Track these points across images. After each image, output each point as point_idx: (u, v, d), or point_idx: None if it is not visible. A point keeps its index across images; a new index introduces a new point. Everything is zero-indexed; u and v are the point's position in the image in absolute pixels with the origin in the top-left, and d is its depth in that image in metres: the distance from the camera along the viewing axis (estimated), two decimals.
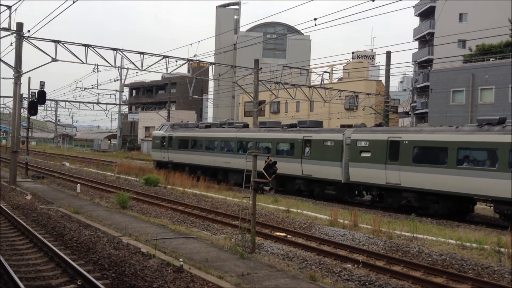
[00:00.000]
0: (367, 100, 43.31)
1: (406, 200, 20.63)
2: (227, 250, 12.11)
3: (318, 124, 28.08)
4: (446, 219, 18.99)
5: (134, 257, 10.97)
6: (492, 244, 13.37)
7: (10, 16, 24.51)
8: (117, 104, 70.33)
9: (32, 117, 38.72)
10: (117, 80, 51.69)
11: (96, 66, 29.61)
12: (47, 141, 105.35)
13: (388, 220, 17.62)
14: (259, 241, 13.63)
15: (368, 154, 21.99)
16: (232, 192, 25.18)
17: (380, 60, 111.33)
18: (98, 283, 8.77)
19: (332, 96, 40.97)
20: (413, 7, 60.90)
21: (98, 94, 59.32)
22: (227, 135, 31.19)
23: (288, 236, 14.99)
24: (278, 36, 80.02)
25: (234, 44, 75.00)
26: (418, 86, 47.53)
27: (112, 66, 28.85)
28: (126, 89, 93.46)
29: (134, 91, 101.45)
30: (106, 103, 62.59)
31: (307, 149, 25.18)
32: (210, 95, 74.59)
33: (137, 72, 58.36)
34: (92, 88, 49.93)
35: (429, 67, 49.74)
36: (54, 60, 26.06)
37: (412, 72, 54.59)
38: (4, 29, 24.49)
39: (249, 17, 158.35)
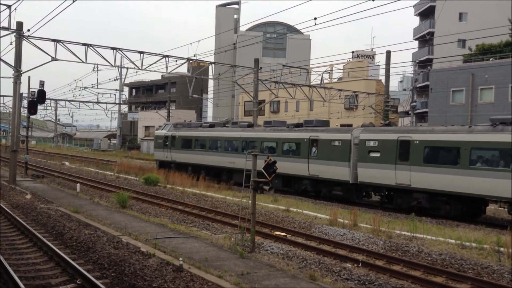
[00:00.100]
0: (367, 100, 43.31)
1: (416, 201, 20.22)
2: (226, 249, 12.11)
3: (325, 123, 27.62)
4: (446, 218, 18.99)
5: (134, 257, 10.97)
6: (491, 243, 13.37)
7: (10, 15, 24.53)
8: (117, 104, 70.37)
9: (32, 116, 38.74)
10: (117, 79, 51.62)
11: (96, 65, 29.63)
12: (47, 141, 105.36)
13: (387, 220, 17.62)
14: (259, 240, 13.63)
15: (377, 154, 21.59)
16: (231, 191, 25.19)
17: (380, 59, 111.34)
18: (97, 282, 8.77)
19: (332, 96, 40.97)
20: (413, 6, 60.91)
21: (98, 93, 59.28)
22: (231, 134, 30.85)
23: (287, 235, 14.99)
24: (278, 36, 79.99)
25: (234, 44, 75.04)
26: (418, 85, 47.52)
27: (112, 65, 28.85)
28: (126, 89, 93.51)
29: (134, 91, 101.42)
30: (106, 103, 62.61)
31: (313, 149, 24.77)
32: (210, 94, 74.58)
33: (137, 72, 58.44)
34: (92, 87, 49.87)
35: (429, 67, 49.76)
36: (54, 59, 26.06)
37: (412, 72, 54.58)
38: (4, 28, 24.49)
39: (249, 16, 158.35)
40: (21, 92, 28.83)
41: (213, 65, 36.14)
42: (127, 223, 15.30)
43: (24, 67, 25.85)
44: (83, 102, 61.25)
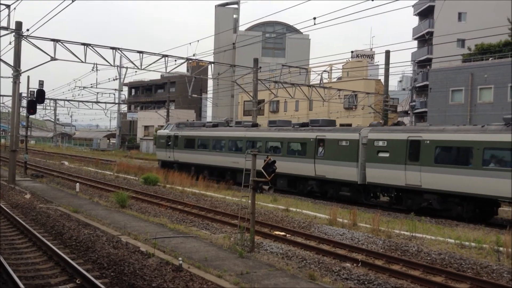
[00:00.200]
0: (366, 99, 43.34)
1: (427, 202, 19.84)
2: (226, 249, 12.11)
3: (331, 123, 27.23)
4: (446, 218, 18.99)
5: (133, 256, 10.97)
6: (491, 243, 13.37)
7: (9, 15, 24.52)
8: (116, 103, 70.40)
9: (31, 116, 38.74)
10: (116, 79, 51.71)
11: (95, 65, 29.64)
12: (46, 140, 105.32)
13: (387, 219, 17.62)
14: (258, 240, 13.64)
15: (386, 154, 21.19)
16: (231, 191, 25.20)
17: (379, 59, 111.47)
18: (97, 282, 8.76)
19: (331, 95, 40.97)
20: (412, 6, 60.95)
21: (97, 93, 59.33)
22: (235, 134, 30.52)
23: (287, 235, 14.99)
24: (277, 35, 79.97)
25: (233, 43, 74.95)
26: (417, 85, 47.55)
27: (111, 65, 28.87)
28: (125, 88, 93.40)
29: (133, 90, 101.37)
30: (105, 102, 62.68)
31: (320, 149, 24.35)
32: (209, 94, 74.55)
33: (136, 71, 58.42)
34: (91, 87, 49.94)
35: (428, 66, 49.78)
36: (53, 59, 26.06)
37: (411, 71, 54.69)
38: (3, 28, 24.47)
39: (248, 16, 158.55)
40: (20, 91, 28.82)
41: (212, 64, 36.14)
42: (127, 222, 15.30)
43: (23, 67, 25.91)
44: (82, 101, 61.31)
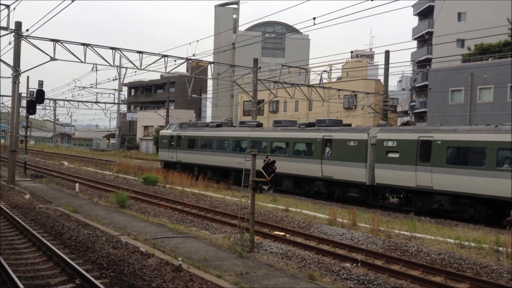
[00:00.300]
0: (366, 100, 43.38)
1: (438, 204, 19.48)
2: (226, 249, 12.10)
3: (338, 123, 26.71)
4: (445, 218, 18.98)
5: (133, 256, 10.97)
6: (490, 243, 13.37)
7: (8, 15, 24.52)
8: (116, 103, 70.42)
9: (30, 116, 38.74)
10: (116, 79, 51.75)
11: (95, 65, 29.64)
12: (46, 140, 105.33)
13: (386, 219, 17.62)
14: (258, 240, 13.64)
15: (396, 155, 20.75)
16: (231, 191, 25.19)
17: (379, 59, 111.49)
18: (97, 282, 8.76)
19: (331, 96, 40.99)
20: (412, 6, 60.98)
21: (97, 93, 59.38)
22: (240, 134, 30.13)
23: (287, 235, 14.99)
24: (277, 36, 79.99)
25: (233, 43, 74.96)
26: (417, 85, 47.61)
27: (111, 65, 28.88)
28: (125, 88, 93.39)
29: (132, 90, 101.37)
30: (105, 102, 62.72)
31: (327, 149, 23.92)
32: (209, 94, 74.60)
33: (136, 71, 58.44)
34: (91, 87, 49.94)
35: (428, 67, 49.81)
36: (53, 59, 26.06)
37: (411, 72, 54.72)
38: (3, 28, 24.48)
39: (248, 16, 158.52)
40: (20, 92, 28.83)
41: (212, 65, 36.17)
42: (126, 223, 15.30)
43: (23, 67, 25.86)
44: (82, 102, 61.33)
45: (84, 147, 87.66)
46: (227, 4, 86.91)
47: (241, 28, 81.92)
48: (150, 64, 31.77)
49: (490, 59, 40.72)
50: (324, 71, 42.68)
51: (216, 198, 22.66)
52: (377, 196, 22.73)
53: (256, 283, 9.30)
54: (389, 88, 43.53)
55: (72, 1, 20.39)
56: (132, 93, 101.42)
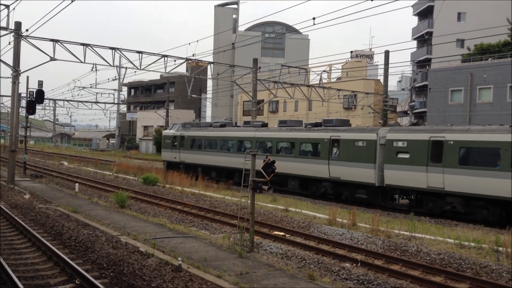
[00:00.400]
0: (366, 100, 43.38)
1: (450, 205, 19.09)
2: (225, 249, 12.10)
3: (345, 122, 26.31)
4: (445, 218, 18.98)
5: (133, 256, 10.97)
6: (490, 243, 13.38)
7: (8, 15, 24.51)
8: (115, 103, 70.39)
9: (30, 116, 38.72)
10: (116, 79, 51.71)
11: (94, 65, 29.61)
12: (46, 140, 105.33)
13: (386, 219, 17.62)
14: (258, 240, 13.63)
15: (406, 156, 20.32)
16: (230, 191, 25.18)
17: (379, 59, 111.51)
18: (96, 282, 8.76)
19: (330, 96, 41.00)
20: (412, 6, 60.99)
21: (97, 93, 59.32)
22: (244, 134, 29.86)
23: (286, 235, 14.99)
24: (276, 36, 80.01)
25: (233, 44, 75.00)
26: (417, 85, 47.61)
27: (110, 65, 28.85)
28: (125, 88, 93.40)
29: (132, 90, 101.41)
30: (104, 102, 62.65)
31: (335, 150, 23.51)
32: (209, 94, 74.63)
33: (135, 71, 58.47)
34: (91, 87, 49.89)
35: (427, 67, 49.83)
36: (53, 59, 26.05)
37: (411, 72, 54.70)
38: (3, 28, 24.47)
39: (247, 16, 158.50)
40: (19, 92, 28.82)
41: (211, 65, 36.16)
42: (126, 223, 15.30)
43: (22, 67, 25.85)
44: (81, 102, 61.30)
45: (84, 147, 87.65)
46: (226, 4, 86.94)
47: (241, 28, 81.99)
48: (150, 64, 31.78)
49: (490, 59, 40.75)
50: (324, 71, 42.68)
51: (216, 198, 22.66)
52: (386, 197, 22.35)
53: (256, 283, 9.30)
54: (389, 88, 43.53)
55: (72, 1, 20.40)
56: (132, 93, 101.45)
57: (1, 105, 71.43)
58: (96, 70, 30.00)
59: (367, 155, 21.92)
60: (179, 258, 10.26)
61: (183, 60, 32.09)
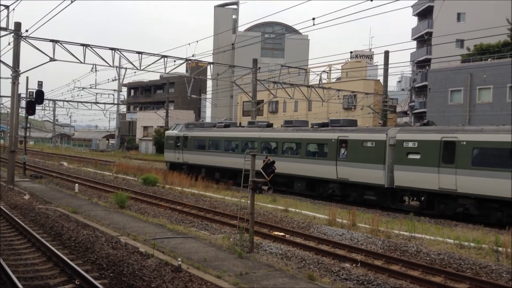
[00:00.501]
0: (365, 100, 43.41)
1: (463, 207, 18.74)
2: (225, 249, 12.10)
3: (352, 123, 25.87)
4: (445, 218, 18.97)
5: (132, 257, 10.96)
6: (490, 243, 13.38)
7: (8, 16, 24.51)
8: (115, 104, 70.39)
9: (30, 117, 38.72)
10: (115, 79, 51.75)
11: (94, 65, 29.60)
12: (45, 141, 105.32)
13: (386, 220, 17.61)
14: (258, 240, 13.63)
15: (417, 156, 19.94)
16: (230, 191, 25.18)
17: (378, 59, 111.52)
18: (96, 282, 8.76)
19: (330, 96, 41.01)
20: (411, 6, 61.03)
21: (96, 93, 59.34)
22: (249, 135, 29.55)
23: (286, 235, 14.99)
24: (276, 36, 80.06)
25: (232, 44, 75.04)
26: (416, 85, 47.67)
27: (110, 65, 28.85)
28: (125, 89, 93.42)
29: (132, 91, 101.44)
30: (104, 103, 62.66)
31: (342, 150, 23.11)
32: (209, 94, 74.67)
33: (135, 72, 58.39)
34: (90, 87, 49.95)
35: (427, 67, 49.87)
36: (52, 59, 26.04)
37: (410, 72, 54.76)
38: (3, 28, 24.47)
39: (247, 16, 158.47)
40: (19, 92, 28.82)
41: (211, 65, 36.17)
42: (126, 223, 15.29)
43: (22, 68, 25.84)
44: (81, 102, 61.33)
45: (84, 148, 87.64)
46: (226, 4, 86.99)
47: (241, 28, 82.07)
48: (149, 65, 31.86)
49: (490, 59, 40.78)
50: (324, 71, 42.67)
51: (216, 199, 22.66)
52: (396, 199, 21.98)
53: (255, 283, 9.30)
54: (389, 89, 43.58)
55: (72, 1, 20.41)
56: (132, 94, 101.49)
57: (1, 105, 71.48)
58: (96, 70, 30.01)
59: (376, 156, 21.53)
60: (179, 259, 10.26)
61: (183, 61, 32.11)
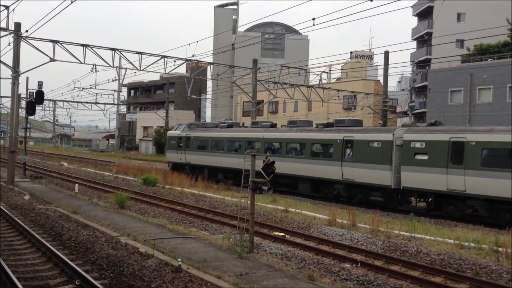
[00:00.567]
0: (365, 100, 43.43)
1: (472, 209, 18.51)
2: (225, 250, 12.10)
3: (358, 123, 25.62)
4: (445, 219, 18.96)
5: (133, 257, 10.96)
6: (490, 243, 13.38)
7: (8, 16, 24.53)
8: (115, 104, 70.38)
9: (30, 117, 38.71)
10: (115, 80, 51.67)
11: (94, 66, 29.62)
12: (45, 141, 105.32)
13: (386, 220, 17.61)
14: (258, 241, 13.63)
15: (425, 157, 19.67)
16: (230, 192, 25.17)
17: (378, 60, 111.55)
18: (96, 283, 8.76)
19: (330, 96, 41.03)
20: (411, 7, 61.03)
21: (96, 94, 59.37)
22: (253, 135, 29.23)
23: (286, 236, 14.98)
24: (276, 36, 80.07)
25: (232, 44, 75.03)
26: (416, 86, 47.64)
27: (110, 66, 28.87)
28: (125, 89, 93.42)
29: (132, 91, 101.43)
30: (104, 103, 62.70)
31: (348, 151, 22.84)
32: (209, 95, 74.72)
33: (135, 72, 58.38)
34: (90, 88, 49.97)
35: (427, 67, 49.87)
36: (52, 60, 26.06)
37: (410, 72, 54.75)
38: (3, 29, 24.49)
39: (247, 17, 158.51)
40: (19, 93, 28.82)
41: (211, 65, 36.19)
42: (126, 223, 15.29)
43: (22, 68, 25.85)
44: (81, 102, 61.38)
45: (84, 148, 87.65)
46: (226, 4, 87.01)
47: (241, 28, 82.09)
48: (149, 65, 31.83)
49: (490, 59, 40.77)
50: (324, 71, 42.69)
51: (216, 199, 22.65)
52: (403, 200, 21.77)
53: (255, 283, 9.30)
54: (389, 89, 43.61)
55: (72, 1, 20.41)
56: (132, 94, 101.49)
57: (1, 106, 71.47)
58: (96, 70, 30.03)
59: (383, 156, 21.27)
60: (179, 259, 10.26)
61: (183, 61, 32.14)
